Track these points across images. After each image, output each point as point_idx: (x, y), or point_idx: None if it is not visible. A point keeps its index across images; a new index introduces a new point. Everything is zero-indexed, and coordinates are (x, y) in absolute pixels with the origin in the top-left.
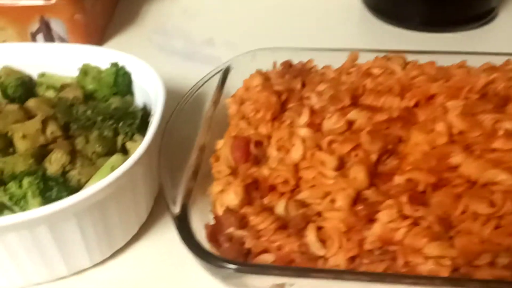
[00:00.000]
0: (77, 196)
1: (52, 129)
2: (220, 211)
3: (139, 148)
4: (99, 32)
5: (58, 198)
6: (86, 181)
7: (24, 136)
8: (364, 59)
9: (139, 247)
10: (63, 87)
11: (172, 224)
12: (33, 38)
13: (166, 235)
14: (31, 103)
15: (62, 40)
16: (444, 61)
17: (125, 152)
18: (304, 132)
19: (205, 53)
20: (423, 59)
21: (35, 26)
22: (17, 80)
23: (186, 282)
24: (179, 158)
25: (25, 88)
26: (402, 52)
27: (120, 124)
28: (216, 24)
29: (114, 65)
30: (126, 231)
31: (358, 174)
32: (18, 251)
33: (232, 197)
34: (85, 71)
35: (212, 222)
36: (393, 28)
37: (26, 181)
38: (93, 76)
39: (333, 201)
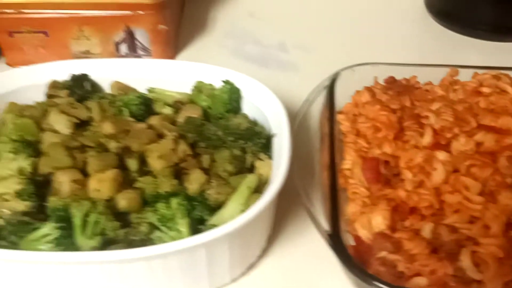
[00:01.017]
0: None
1: (183, 148)
2: (362, 232)
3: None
4: (175, 40)
5: (201, 217)
6: (224, 200)
7: (160, 156)
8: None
9: (269, 260)
10: (176, 103)
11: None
12: (117, 47)
13: (290, 244)
14: (153, 121)
15: (145, 50)
16: None
17: (251, 171)
18: (443, 156)
19: (280, 59)
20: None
21: (119, 36)
22: (138, 98)
23: None
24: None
25: (146, 105)
26: (501, 69)
27: (249, 143)
28: (285, 28)
29: (227, 82)
30: (259, 246)
31: (509, 200)
32: (175, 274)
33: (380, 221)
34: (199, 88)
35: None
36: (460, 37)
37: (174, 202)
38: (207, 93)
39: (486, 227)
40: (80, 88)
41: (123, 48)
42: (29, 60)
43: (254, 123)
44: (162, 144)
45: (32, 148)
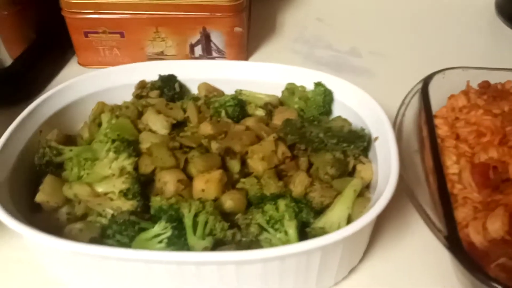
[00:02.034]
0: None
1: (282, 149)
2: (476, 238)
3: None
4: (247, 43)
5: (307, 220)
6: (329, 203)
7: (262, 158)
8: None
9: (368, 264)
10: (266, 105)
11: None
12: (191, 49)
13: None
14: (249, 122)
15: (219, 52)
16: None
17: (349, 174)
18: None
19: (353, 64)
20: None
21: (195, 38)
22: (233, 99)
23: None
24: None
25: (240, 107)
26: None
27: (351, 146)
28: (356, 33)
29: (320, 84)
30: (362, 250)
31: None
32: (287, 276)
33: (498, 226)
34: (291, 90)
35: None
36: None
37: (282, 204)
38: (300, 96)
39: None
40: (170, 89)
41: (198, 50)
42: (102, 61)
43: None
44: (264, 145)
45: (133, 147)
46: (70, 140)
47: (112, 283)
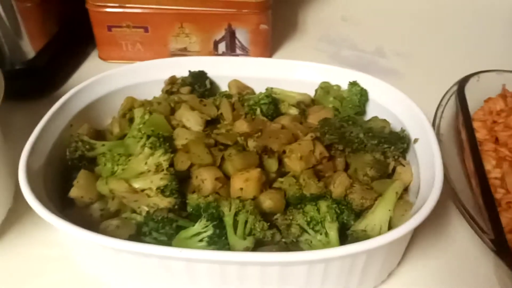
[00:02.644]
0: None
1: (320, 149)
2: None
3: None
4: (271, 41)
5: (347, 222)
6: (369, 205)
7: (301, 158)
8: None
9: (406, 268)
10: (299, 104)
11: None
12: (215, 46)
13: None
14: (284, 121)
15: (243, 49)
16: None
17: (389, 176)
18: None
19: (379, 64)
20: None
21: (220, 34)
22: (268, 97)
23: None
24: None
25: (274, 105)
26: None
27: (392, 148)
28: (381, 34)
29: (356, 84)
30: (402, 253)
31: None
32: (330, 278)
33: None
34: (326, 89)
35: None
36: None
37: (324, 205)
38: (335, 95)
39: None
40: (201, 85)
41: (222, 47)
42: (124, 56)
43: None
44: (302, 145)
45: (169, 143)
46: (99, 135)
47: (150, 281)
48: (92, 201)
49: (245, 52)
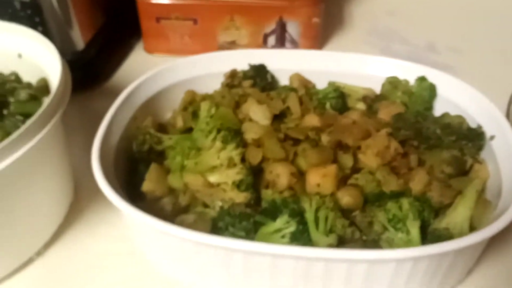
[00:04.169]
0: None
1: (395, 145)
2: None
3: None
4: (321, 35)
5: (428, 219)
6: (449, 203)
7: (377, 153)
8: None
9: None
10: (365, 99)
11: None
12: (265, 39)
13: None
14: (355, 116)
15: (293, 42)
16: None
17: (464, 173)
18: None
19: (431, 60)
20: None
21: (270, 27)
22: (335, 91)
23: None
24: None
25: (343, 99)
26: None
27: (470, 145)
28: (431, 28)
29: (424, 79)
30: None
31: None
32: (415, 277)
33: None
34: (394, 84)
35: None
36: None
37: (406, 203)
38: (403, 90)
39: None
40: (262, 79)
41: (271, 40)
42: (171, 49)
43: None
44: (377, 140)
45: (240, 138)
46: (162, 128)
47: (226, 277)
48: (163, 195)
49: (295, 46)
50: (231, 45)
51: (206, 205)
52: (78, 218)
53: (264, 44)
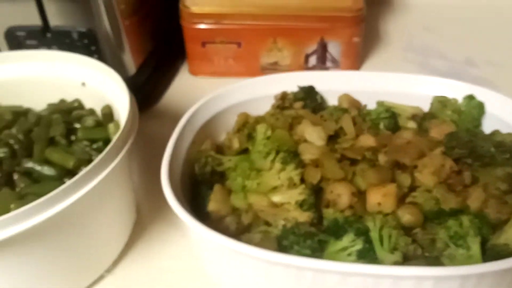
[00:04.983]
0: None
1: (450, 164)
2: None
3: None
4: (360, 53)
5: (486, 236)
6: (505, 219)
7: (433, 172)
8: None
9: None
10: (414, 117)
11: None
12: (306, 59)
13: None
14: (407, 135)
15: (334, 62)
16: None
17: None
18: None
19: (471, 74)
20: None
21: (311, 48)
22: (387, 111)
23: None
24: None
25: (395, 119)
26: None
27: None
28: (468, 43)
29: (472, 97)
30: None
31: None
32: None
33: None
34: (443, 103)
35: None
36: None
37: (466, 220)
38: (452, 108)
39: None
40: (312, 100)
41: (312, 60)
42: (215, 71)
43: None
44: (433, 159)
45: (298, 159)
46: (218, 149)
47: None
48: (227, 214)
49: (335, 65)
50: (273, 66)
51: (267, 224)
52: (141, 236)
53: (305, 64)
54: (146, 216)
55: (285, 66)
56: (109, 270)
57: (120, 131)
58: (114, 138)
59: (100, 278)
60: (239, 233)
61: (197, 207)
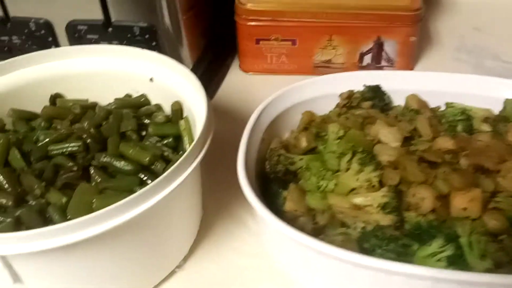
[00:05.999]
0: None
1: None
2: None
3: None
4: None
5: None
6: None
7: None
8: None
9: None
10: (487, 120)
11: None
12: (360, 58)
13: None
14: (485, 138)
15: (389, 61)
16: None
17: None
18: None
19: None
20: None
21: (367, 46)
22: (463, 113)
23: None
24: None
25: (471, 122)
26: None
27: None
28: None
29: None
30: None
31: None
32: None
33: None
34: None
35: None
36: None
37: None
38: None
39: None
40: (380, 100)
41: (367, 59)
42: (267, 68)
43: None
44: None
45: (377, 160)
46: (286, 148)
47: None
48: (302, 214)
49: (391, 64)
50: (326, 63)
51: (344, 225)
52: (208, 233)
53: (359, 62)
54: (210, 213)
55: (338, 64)
56: (180, 266)
57: (200, 132)
58: (195, 140)
59: (172, 273)
60: (316, 233)
61: (266, 205)
